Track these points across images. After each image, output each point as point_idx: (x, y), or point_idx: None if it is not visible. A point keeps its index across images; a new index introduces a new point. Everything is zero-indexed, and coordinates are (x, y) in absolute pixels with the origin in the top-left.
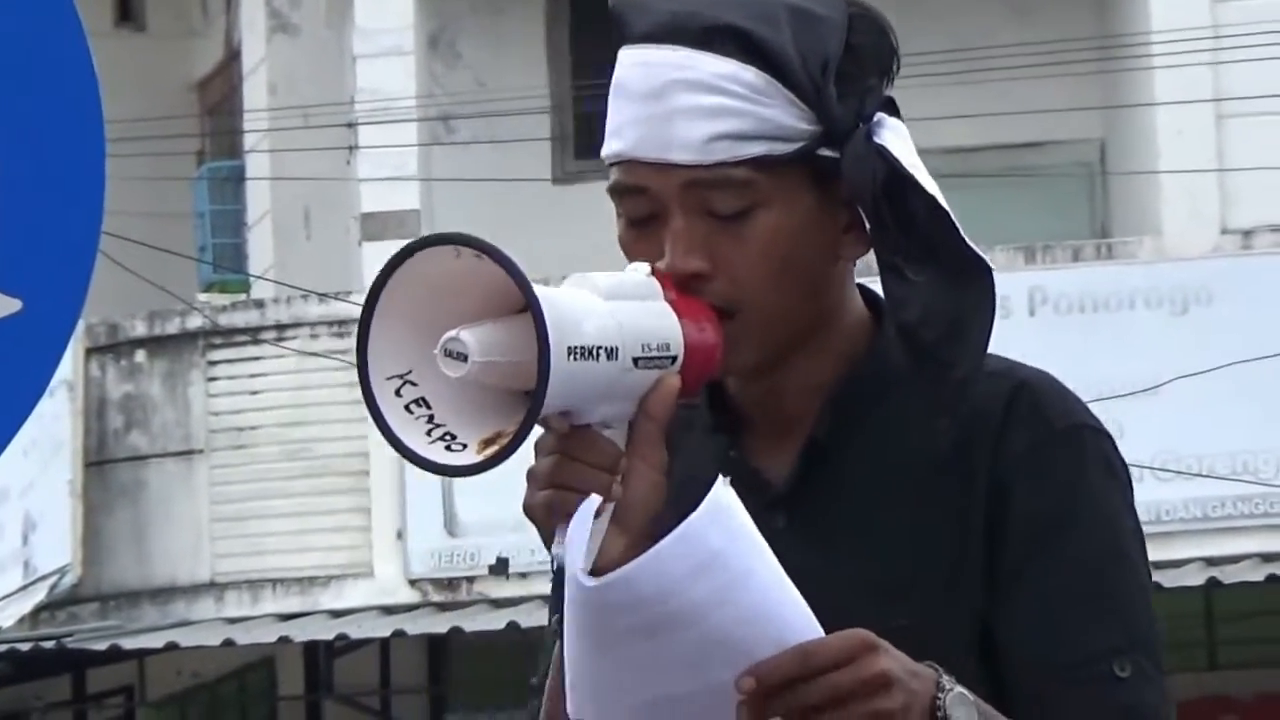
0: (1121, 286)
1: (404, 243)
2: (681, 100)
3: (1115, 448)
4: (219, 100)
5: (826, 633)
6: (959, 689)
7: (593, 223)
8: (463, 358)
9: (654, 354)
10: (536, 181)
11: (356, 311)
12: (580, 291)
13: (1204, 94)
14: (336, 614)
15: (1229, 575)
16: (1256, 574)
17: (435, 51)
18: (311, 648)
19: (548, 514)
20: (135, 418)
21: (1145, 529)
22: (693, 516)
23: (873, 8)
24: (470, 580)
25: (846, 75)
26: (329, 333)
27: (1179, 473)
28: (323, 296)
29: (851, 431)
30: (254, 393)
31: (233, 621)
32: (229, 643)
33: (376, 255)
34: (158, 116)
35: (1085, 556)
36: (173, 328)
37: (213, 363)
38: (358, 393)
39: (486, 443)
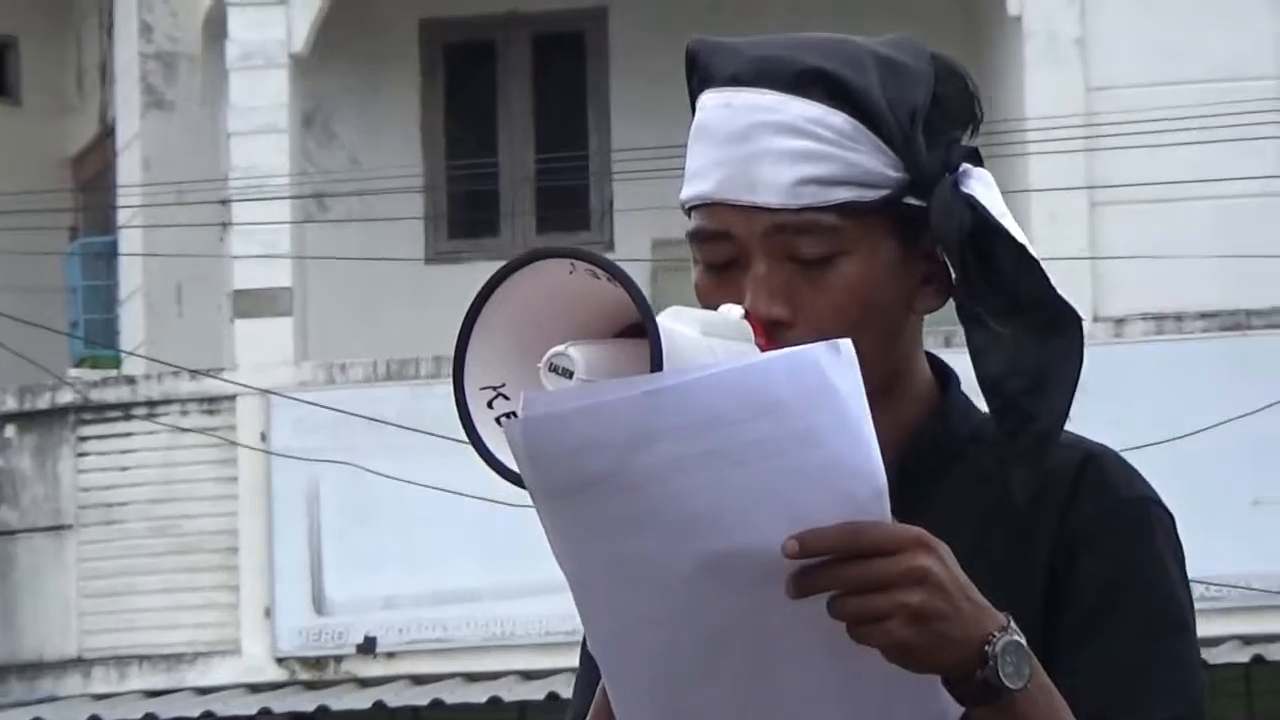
0: None
1: (275, 320)
2: (768, 143)
3: (1174, 523)
4: (93, 175)
5: None
6: (1022, 639)
7: (464, 303)
8: (568, 374)
9: None
10: (409, 261)
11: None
12: (681, 325)
13: (1077, 181)
14: (203, 691)
15: None
16: None
17: (309, 130)
18: None
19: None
20: (4, 492)
21: None
22: (803, 349)
23: (955, 60)
24: (338, 659)
25: (933, 125)
26: (200, 409)
27: None
28: (194, 373)
29: (918, 495)
30: (124, 469)
31: (99, 698)
32: (95, 719)
33: (248, 332)
34: (31, 190)
35: (1150, 623)
36: (43, 403)
37: (83, 438)
38: (227, 470)
39: None
